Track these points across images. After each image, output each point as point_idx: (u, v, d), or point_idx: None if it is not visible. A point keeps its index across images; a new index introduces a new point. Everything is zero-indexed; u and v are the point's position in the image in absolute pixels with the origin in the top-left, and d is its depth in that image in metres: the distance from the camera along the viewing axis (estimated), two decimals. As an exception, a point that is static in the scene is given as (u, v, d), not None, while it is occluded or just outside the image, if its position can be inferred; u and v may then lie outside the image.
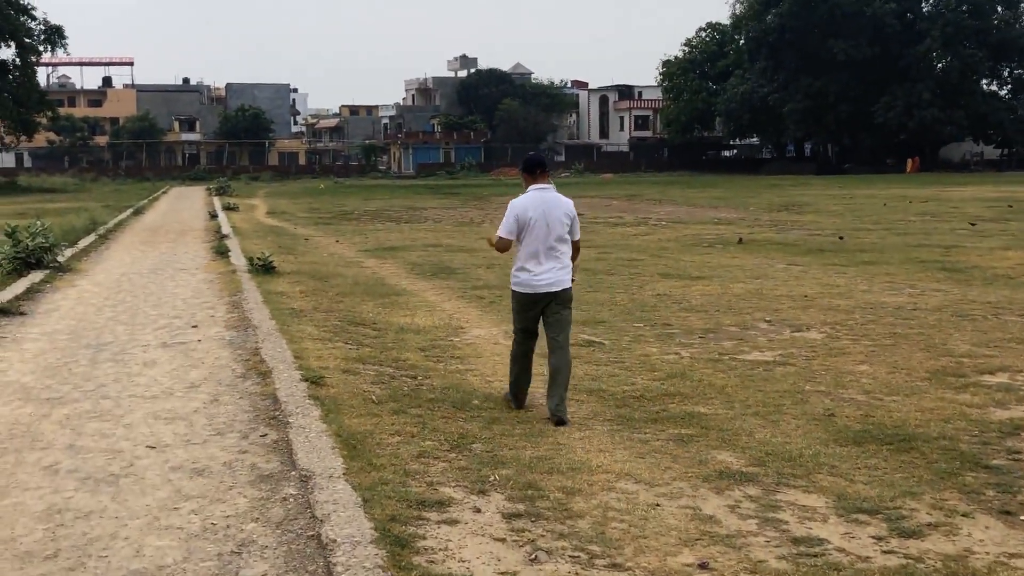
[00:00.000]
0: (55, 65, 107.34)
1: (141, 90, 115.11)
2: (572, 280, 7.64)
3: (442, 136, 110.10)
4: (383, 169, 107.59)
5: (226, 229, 27.08)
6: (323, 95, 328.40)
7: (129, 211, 37.88)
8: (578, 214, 7.76)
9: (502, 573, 4.64)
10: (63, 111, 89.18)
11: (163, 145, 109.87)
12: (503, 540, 5.01)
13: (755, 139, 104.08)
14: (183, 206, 45.33)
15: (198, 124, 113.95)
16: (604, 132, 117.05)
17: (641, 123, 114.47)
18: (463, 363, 9.48)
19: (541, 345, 7.83)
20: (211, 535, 5.11)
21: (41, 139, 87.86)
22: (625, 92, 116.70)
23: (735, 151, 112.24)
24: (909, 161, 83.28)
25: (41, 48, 68.83)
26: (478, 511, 5.40)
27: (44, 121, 73.38)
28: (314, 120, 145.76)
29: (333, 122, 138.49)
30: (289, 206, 44.14)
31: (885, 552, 4.98)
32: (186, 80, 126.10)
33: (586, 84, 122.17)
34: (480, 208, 39.68)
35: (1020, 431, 7.06)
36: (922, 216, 31.36)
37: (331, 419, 7.06)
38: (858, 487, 5.88)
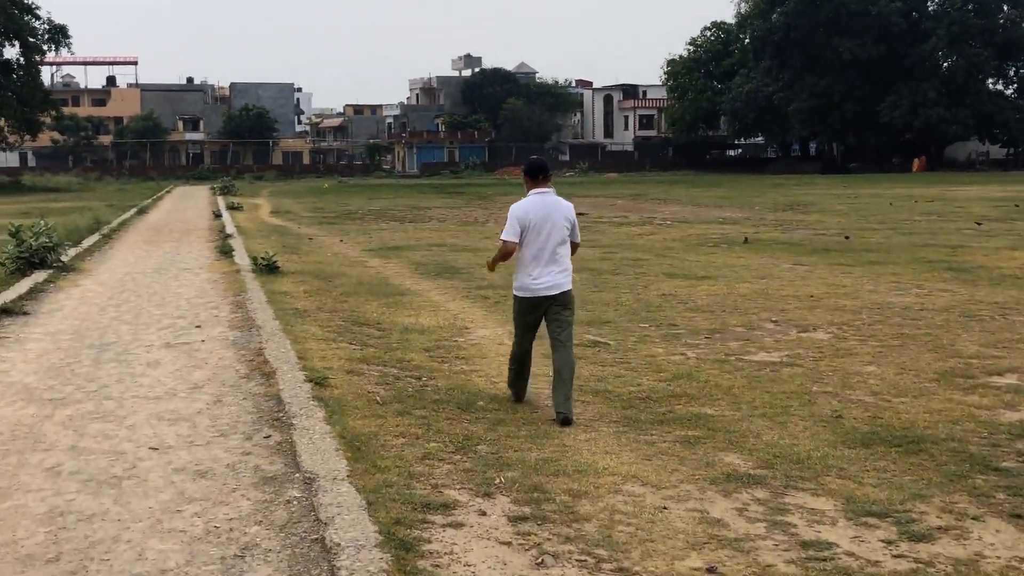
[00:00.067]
0: (59, 64, 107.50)
1: (145, 89, 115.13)
2: None
3: (446, 135, 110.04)
4: (387, 168, 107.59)
5: (230, 228, 27.06)
6: (327, 94, 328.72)
7: (133, 210, 37.86)
8: (583, 213, 7.83)
9: (508, 577, 4.59)
10: (67, 110, 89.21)
11: (167, 144, 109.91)
12: (509, 544, 4.96)
13: (760, 138, 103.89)
14: (187, 205, 45.34)
15: (202, 123, 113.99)
16: (608, 131, 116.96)
17: (646, 122, 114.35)
18: (468, 364, 9.43)
19: (545, 345, 7.82)
20: (214, 538, 5.07)
21: (45, 138, 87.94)
22: (630, 91, 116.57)
23: (740, 150, 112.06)
24: (915, 160, 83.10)
25: (45, 47, 68.90)
26: (483, 514, 5.35)
27: (48, 120, 73.44)
28: (318, 119, 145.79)
29: (337, 121, 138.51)
30: (293, 205, 44.12)
31: (895, 556, 4.92)
32: (190, 79, 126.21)
33: (590, 83, 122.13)
34: (484, 208, 39.62)
35: (1030, 433, 7.00)
36: (928, 216, 31.28)
37: (335, 420, 7.01)
38: (867, 490, 5.83)
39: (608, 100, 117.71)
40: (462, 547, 4.90)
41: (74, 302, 13.73)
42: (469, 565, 4.69)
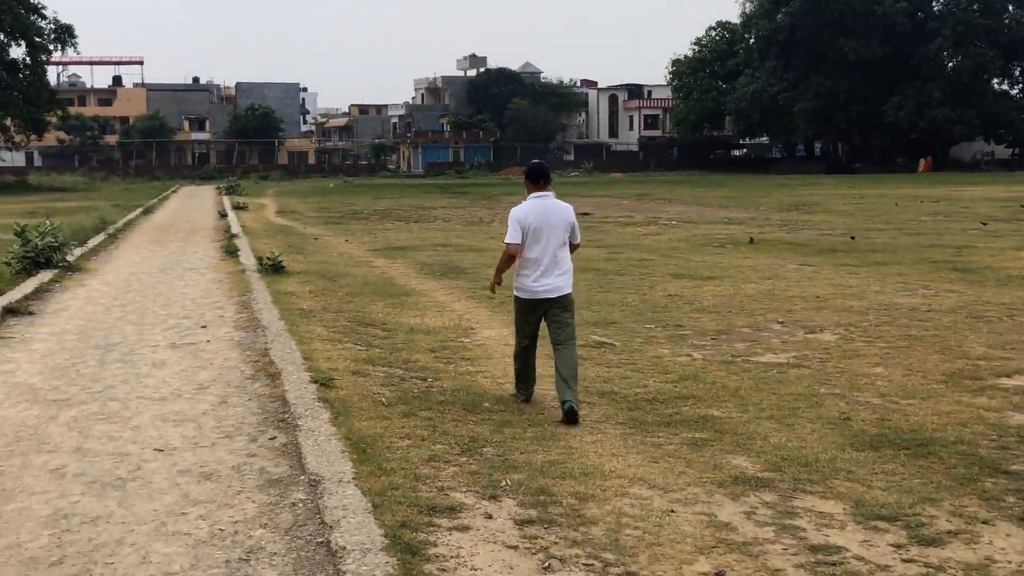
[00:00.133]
0: (65, 64, 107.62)
1: (151, 89, 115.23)
2: None
3: (451, 135, 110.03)
4: (392, 168, 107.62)
5: (235, 228, 27.05)
6: (333, 94, 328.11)
7: (139, 210, 37.87)
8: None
9: (515, 582, 4.56)
10: (73, 110, 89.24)
11: (173, 144, 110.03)
12: (515, 547, 4.93)
13: (764, 138, 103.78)
14: (193, 205, 45.35)
15: (208, 123, 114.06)
16: (613, 131, 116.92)
17: (651, 122, 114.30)
18: (473, 365, 9.40)
19: (549, 346, 7.81)
20: (219, 541, 5.04)
21: (51, 138, 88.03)
22: (635, 91, 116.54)
23: (744, 150, 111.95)
24: (922, 161, 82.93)
25: (51, 47, 68.90)
26: (490, 517, 5.32)
27: (54, 120, 73.53)
28: (324, 119, 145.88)
29: (342, 121, 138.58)
30: (298, 205, 44.12)
31: (905, 561, 4.88)
32: (196, 79, 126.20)
33: (595, 83, 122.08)
34: (489, 208, 39.58)
35: (1039, 436, 6.95)
36: (933, 216, 31.21)
37: (340, 422, 6.98)
38: (876, 493, 5.79)
39: (613, 100, 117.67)
40: (468, 551, 4.86)
41: (79, 302, 13.72)
42: (476, 569, 4.66)
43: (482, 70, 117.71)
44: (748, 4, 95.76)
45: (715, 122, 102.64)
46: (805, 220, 30.51)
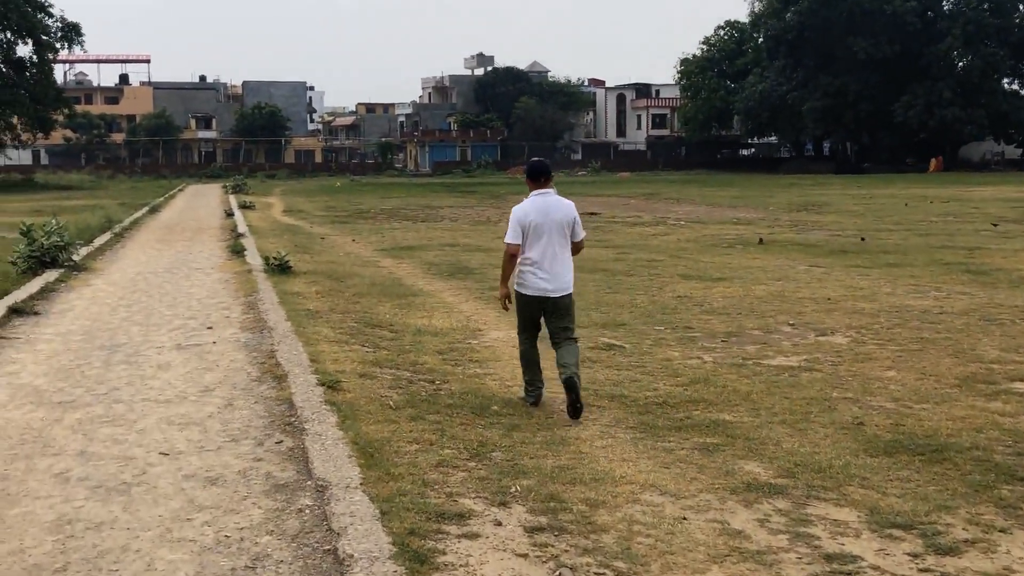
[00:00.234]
0: (72, 62, 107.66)
1: (158, 88, 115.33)
2: None
3: (458, 134, 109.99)
4: (399, 167, 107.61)
5: (242, 228, 27.00)
6: (339, 93, 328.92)
7: (145, 209, 37.87)
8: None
9: (525, 591, 4.48)
10: (80, 108, 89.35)
11: (179, 143, 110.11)
12: (525, 556, 4.85)
13: (773, 138, 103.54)
14: (199, 204, 45.34)
15: (214, 122, 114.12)
16: (621, 130, 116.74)
17: (658, 121, 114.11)
18: (481, 367, 9.32)
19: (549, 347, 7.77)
20: (224, 548, 4.97)
21: (58, 136, 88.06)
22: (642, 90, 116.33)
23: (752, 150, 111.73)
24: (932, 160, 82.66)
25: (58, 45, 68.97)
26: (499, 524, 5.24)
27: (61, 118, 73.52)
28: (330, 118, 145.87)
29: (349, 120, 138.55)
30: (305, 204, 44.08)
31: (921, 570, 4.80)
32: (203, 78, 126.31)
33: (603, 82, 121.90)
34: (497, 207, 39.48)
35: (1056, 442, 6.85)
36: (944, 216, 31.06)
37: (348, 426, 6.91)
38: (891, 500, 5.69)
39: (621, 99, 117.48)
40: (478, 559, 4.78)
41: (85, 302, 13.67)
42: (485, 578, 4.58)
43: (489, 69, 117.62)
44: (757, 3, 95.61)
45: (723, 121, 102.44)
46: (815, 220, 30.39)
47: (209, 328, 11.45)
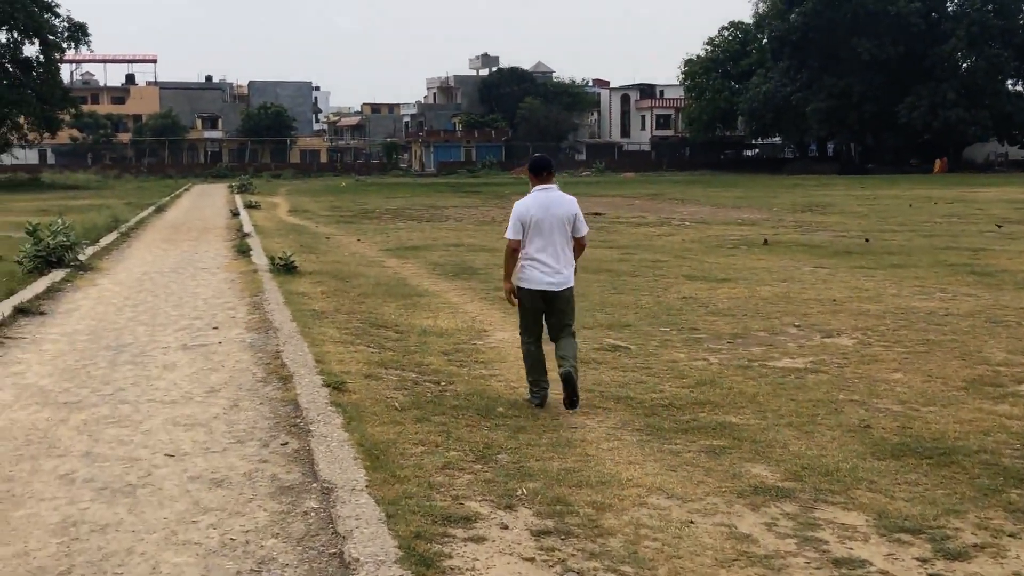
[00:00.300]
0: (79, 62, 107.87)
1: (164, 88, 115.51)
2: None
3: (463, 134, 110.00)
4: (404, 167, 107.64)
5: (248, 227, 27.00)
6: (345, 93, 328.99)
7: (151, 208, 37.89)
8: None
9: (532, 595, 4.46)
10: (86, 108, 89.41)
11: (185, 143, 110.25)
12: (532, 560, 4.83)
13: (777, 139, 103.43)
14: (205, 204, 45.37)
15: (220, 122, 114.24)
16: (625, 131, 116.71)
17: (663, 122, 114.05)
18: (487, 368, 9.30)
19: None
20: (230, 551, 4.95)
21: (64, 136, 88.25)
22: (647, 91, 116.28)
23: (757, 150, 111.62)
24: (937, 161, 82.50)
25: (65, 45, 68.98)
26: (505, 528, 5.22)
27: (67, 118, 73.60)
28: (336, 118, 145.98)
29: (355, 120, 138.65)
30: (311, 204, 44.09)
31: (930, 576, 4.78)
32: (209, 78, 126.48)
33: (607, 83, 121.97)
34: (501, 207, 39.43)
35: (1064, 445, 6.82)
36: (948, 218, 31.01)
37: (353, 427, 6.89)
38: (899, 504, 5.67)
39: (625, 99, 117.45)
40: (484, 563, 4.76)
41: (91, 302, 13.66)
42: (492, 582, 4.57)
43: (494, 69, 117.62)
44: (761, 4, 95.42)
45: (727, 122, 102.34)
46: (819, 221, 30.33)
47: (215, 328, 11.44)
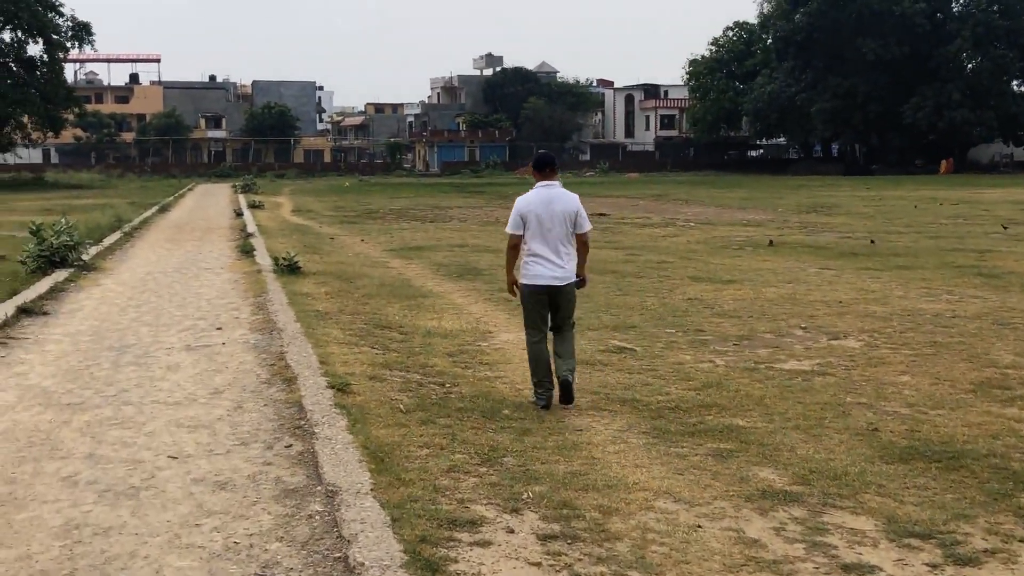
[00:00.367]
0: (82, 62, 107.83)
1: (168, 87, 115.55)
2: (581, 280, 8.05)
3: (467, 134, 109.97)
4: (408, 167, 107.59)
5: (251, 227, 26.98)
6: (349, 93, 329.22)
7: (155, 208, 37.88)
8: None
9: (538, 601, 4.42)
10: (90, 107, 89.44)
11: (189, 142, 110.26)
12: (538, 564, 4.78)
13: (782, 139, 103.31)
14: (209, 203, 45.35)
15: (224, 121, 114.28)
16: (630, 131, 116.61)
17: (667, 122, 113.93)
18: (492, 370, 9.26)
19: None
20: (234, 555, 4.91)
21: (68, 135, 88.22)
22: (651, 91, 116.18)
23: (761, 151, 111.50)
24: (943, 162, 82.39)
25: (69, 45, 69.06)
26: (511, 531, 5.18)
27: (71, 117, 73.59)
28: (340, 118, 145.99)
29: (358, 120, 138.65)
30: (314, 204, 44.06)
31: (941, 581, 4.73)
32: (212, 77, 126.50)
33: (612, 83, 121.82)
34: (505, 208, 39.32)
35: (1074, 449, 6.76)
36: (954, 219, 30.93)
37: (358, 429, 6.85)
38: (908, 509, 5.62)
39: (629, 100, 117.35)
40: (490, 568, 4.72)
41: (94, 302, 13.64)
42: (498, 587, 4.52)
43: (498, 69, 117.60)
44: (766, 4, 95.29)
45: (732, 122, 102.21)
46: (824, 222, 30.26)
47: (219, 329, 11.41)
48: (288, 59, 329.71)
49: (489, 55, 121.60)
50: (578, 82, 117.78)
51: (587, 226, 7.97)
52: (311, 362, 9.04)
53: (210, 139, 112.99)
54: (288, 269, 16.10)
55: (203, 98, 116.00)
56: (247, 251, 20.16)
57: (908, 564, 4.90)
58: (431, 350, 10.04)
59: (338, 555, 4.82)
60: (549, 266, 7.75)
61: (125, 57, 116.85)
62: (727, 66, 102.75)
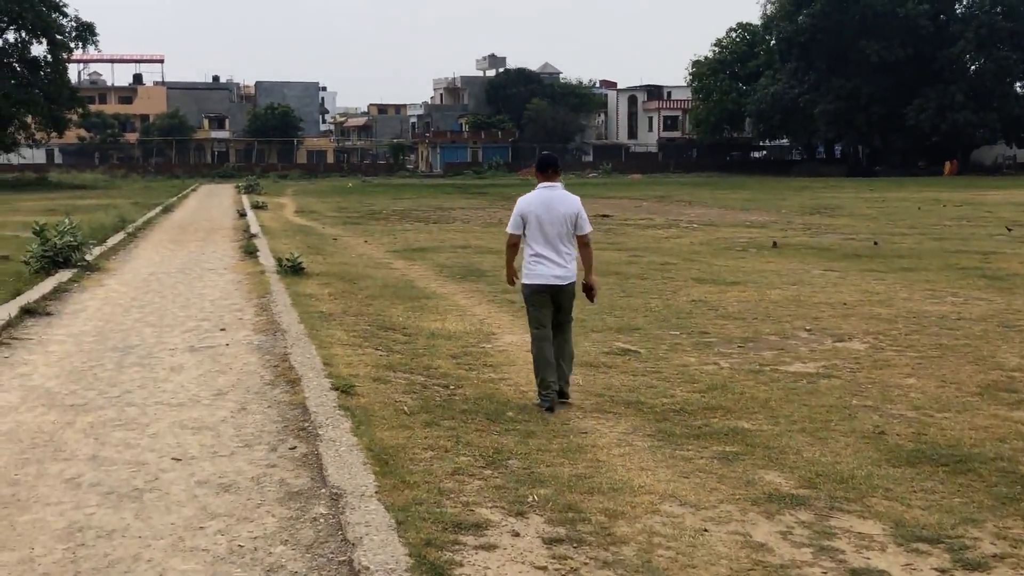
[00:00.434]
0: (86, 62, 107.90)
1: (171, 88, 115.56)
2: (592, 285, 8.16)
3: (470, 135, 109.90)
4: (411, 168, 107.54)
5: (255, 228, 26.97)
6: (352, 94, 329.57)
7: (158, 209, 37.87)
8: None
9: (544, 605, 4.39)
10: (94, 108, 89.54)
11: (193, 143, 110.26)
12: (544, 568, 4.75)
13: (784, 140, 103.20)
14: (212, 204, 45.35)
15: (227, 122, 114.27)
16: (633, 132, 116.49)
17: (670, 123, 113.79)
18: (496, 371, 9.23)
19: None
20: (238, 558, 4.88)
21: (72, 136, 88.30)
22: (654, 92, 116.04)
23: (764, 152, 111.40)
24: (947, 164, 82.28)
25: (72, 45, 69.07)
26: (517, 535, 5.15)
27: (75, 118, 73.66)
28: (343, 118, 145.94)
29: (361, 121, 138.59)
30: (317, 205, 44.03)
31: (950, 586, 4.69)
32: (216, 78, 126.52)
33: (615, 84, 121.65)
34: (508, 209, 39.12)
35: (1082, 453, 6.73)
36: (957, 220, 30.88)
37: (362, 432, 6.82)
38: (916, 513, 5.59)
39: (632, 101, 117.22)
40: (496, 572, 4.69)
41: (98, 302, 13.62)
42: (503, 591, 4.49)
43: (501, 70, 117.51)
44: (769, 5, 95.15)
45: (735, 124, 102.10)
46: (827, 224, 30.21)
47: (222, 330, 11.39)
48: (291, 60, 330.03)
49: (492, 56, 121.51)
50: (581, 83, 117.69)
51: (587, 228, 8.04)
52: (315, 364, 9.01)
53: (213, 140, 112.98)
54: (291, 270, 16.08)
55: (206, 99, 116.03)
56: (250, 252, 20.14)
57: (917, 569, 4.87)
58: (435, 352, 10.01)
59: (343, 559, 4.79)
60: (551, 266, 7.85)
61: (129, 57, 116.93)
62: (730, 67, 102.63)
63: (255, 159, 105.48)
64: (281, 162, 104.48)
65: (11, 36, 67.63)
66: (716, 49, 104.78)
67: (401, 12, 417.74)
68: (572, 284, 8.00)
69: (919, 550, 5.08)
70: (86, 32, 68.84)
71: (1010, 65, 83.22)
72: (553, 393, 7.85)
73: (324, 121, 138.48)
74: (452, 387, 8.50)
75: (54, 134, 71.61)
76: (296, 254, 16.91)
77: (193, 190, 61.72)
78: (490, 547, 4.97)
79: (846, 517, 5.53)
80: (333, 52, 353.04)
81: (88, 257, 17.76)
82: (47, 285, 14.42)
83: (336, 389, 8.00)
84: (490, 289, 14.85)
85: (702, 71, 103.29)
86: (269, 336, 10.80)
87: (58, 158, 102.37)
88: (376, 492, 5.59)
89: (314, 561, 4.81)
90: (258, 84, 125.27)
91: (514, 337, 10.91)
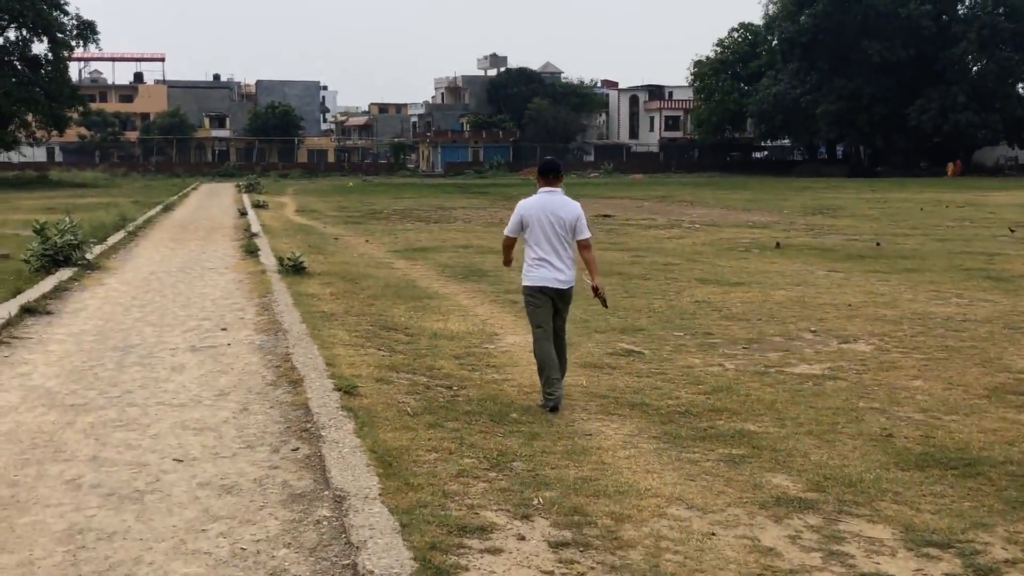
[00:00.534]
0: (87, 60, 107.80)
1: (172, 86, 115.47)
2: (598, 288, 8.06)
3: (471, 135, 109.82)
4: (411, 168, 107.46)
5: (255, 227, 26.90)
6: (353, 93, 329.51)
7: (159, 207, 37.80)
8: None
9: (551, 611, 4.32)
10: (94, 106, 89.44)
11: (193, 141, 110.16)
12: (551, 573, 4.69)
13: (786, 141, 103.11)
14: (213, 203, 45.27)
15: (228, 121, 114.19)
16: (634, 132, 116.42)
17: (671, 123, 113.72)
18: (499, 372, 9.17)
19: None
20: (240, 561, 4.82)
21: (72, 134, 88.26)
22: (655, 92, 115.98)
23: (766, 152, 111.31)
24: (951, 164, 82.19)
25: (73, 43, 68.97)
26: (522, 538, 5.09)
27: (75, 116, 73.51)
28: (343, 118, 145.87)
29: (362, 120, 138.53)
30: (318, 204, 43.96)
31: (961, 592, 4.63)
32: (217, 77, 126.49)
33: (616, 84, 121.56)
34: (509, 208, 38.95)
35: (1091, 456, 6.66)
36: (960, 221, 30.81)
37: (365, 433, 6.76)
38: (925, 517, 5.52)
39: (634, 101, 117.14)
40: (502, 576, 4.63)
41: (98, 301, 13.55)
42: (510, 596, 4.43)
43: (502, 70, 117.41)
44: (771, 6, 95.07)
45: (736, 124, 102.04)
46: (830, 224, 30.15)
47: (223, 330, 11.32)
48: (292, 59, 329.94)
49: (493, 55, 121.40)
50: (582, 83, 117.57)
51: (586, 233, 8.08)
52: (317, 364, 8.95)
53: (214, 138, 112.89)
54: (293, 269, 16.02)
55: (207, 97, 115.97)
56: (251, 251, 20.08)
57: (927, 574, 4.81)
58: (438, 352, 9.95)
59: (346, 562, 4.73)
60: (552, 270, 7.91)
61: (129, 56, 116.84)
62: (732, 67, 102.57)
63: (256, 158, 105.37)
64: (282, 161, 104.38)
65: (12, 34, 67.58)
66: (718, 49, 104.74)
67: (402, 11, 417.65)
68: (571, 288, 8.07)
69: (929, 555, 5.02)
70: (87, 30, 68.77)
71: (1012, 66, 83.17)
72: (557, 392, 7.78)
73: (325, 120, 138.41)
74: (455, 388, 8.44)
75: (55, 132, 71.54)
76: (297, 253, 16.85)
77: (194, 189, 61.64)
78: (495, 551, 4.91)
79: (855, 521, 5.46)
80: (334, 51, 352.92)
81: (88, 256, 17.70)
82: (47, 284, 14.36)
83: (339, 390, 7.94)
84: (492, 289, 14.79)
85: (704, 71, 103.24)
86: (271, 336, 10.74)
87: (59, 156, 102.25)
88: (380, 494, 5.53)
89: (318, 565, 4.75)
90: (259, 83, 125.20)
91: (517, 338, 10.85)
